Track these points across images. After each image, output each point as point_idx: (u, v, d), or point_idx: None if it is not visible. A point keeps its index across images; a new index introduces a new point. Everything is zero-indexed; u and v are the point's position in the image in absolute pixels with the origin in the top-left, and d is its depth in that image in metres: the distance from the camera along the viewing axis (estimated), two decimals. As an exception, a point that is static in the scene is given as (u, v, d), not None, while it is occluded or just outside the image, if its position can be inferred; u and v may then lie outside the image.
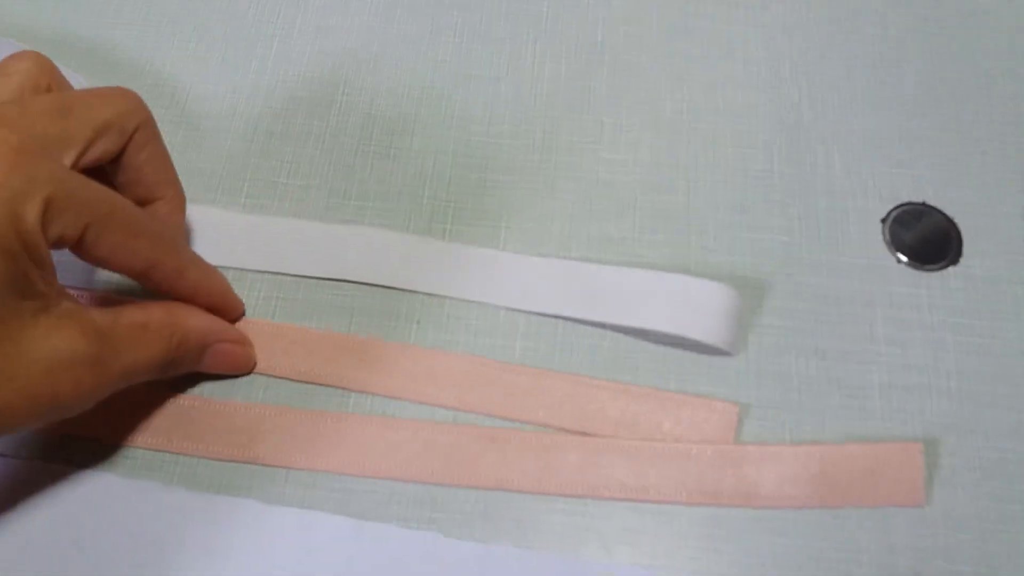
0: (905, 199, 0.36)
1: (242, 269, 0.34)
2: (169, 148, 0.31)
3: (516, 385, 0.32)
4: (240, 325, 0.33)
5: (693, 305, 0.32)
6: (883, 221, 0.36)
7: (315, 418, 0.32)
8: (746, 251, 0.35)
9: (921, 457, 0.30)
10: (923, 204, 0.36)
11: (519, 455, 0.31)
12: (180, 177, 0.31)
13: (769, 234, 0.36)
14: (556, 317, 0.33)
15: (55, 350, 0.23)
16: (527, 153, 0.38)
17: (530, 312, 0.33)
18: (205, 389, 0.33)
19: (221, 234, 0.34)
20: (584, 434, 0.31)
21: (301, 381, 0.32)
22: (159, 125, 0.30)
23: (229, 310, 0.32)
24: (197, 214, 0.34)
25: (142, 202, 0.30)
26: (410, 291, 0.34)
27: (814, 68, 0.39)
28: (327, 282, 0.34)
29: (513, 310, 0.34)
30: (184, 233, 0.33)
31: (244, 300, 0.34)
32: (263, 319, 0.33)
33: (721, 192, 0.37)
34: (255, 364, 0.32)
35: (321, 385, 0.33)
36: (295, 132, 0.38)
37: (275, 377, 0.33)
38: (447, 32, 0.41)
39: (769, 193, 0.36)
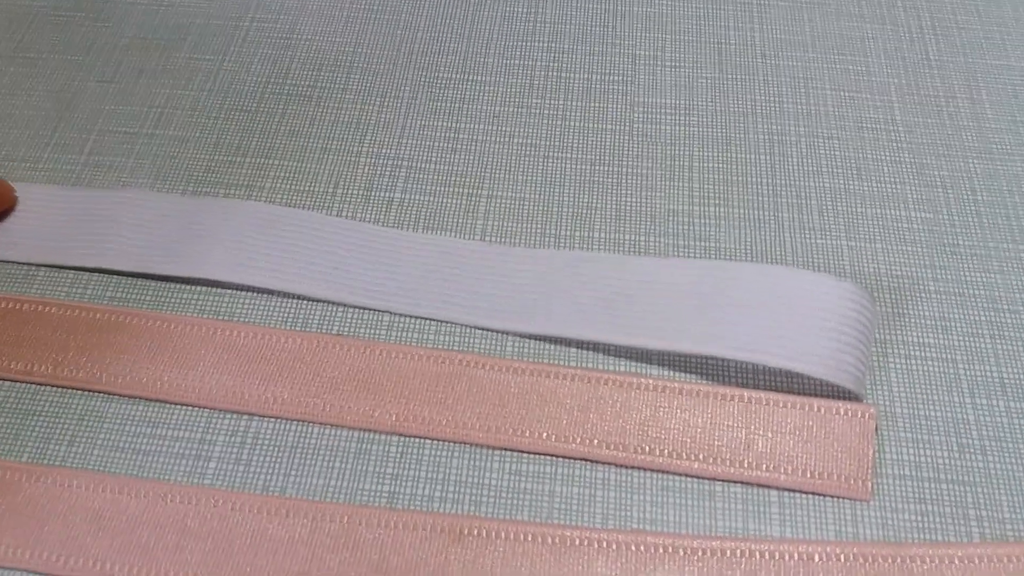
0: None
1: (63, 267, 0.28)
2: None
3: (506, 391, 0.25)
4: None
5: (796, 315, 0.24)
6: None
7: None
8: (872, 234, 0.28)
9: None
10: None
11: (504, 562, 0.22)
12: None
13: (904, 208, 0.29)
14: (573, 342, 0.25)
15: None
16: (523, 95, 0.32)
17: (529, 335, 0.25)
18: None
19: (40, 220, 0.28)
20: (622, 465, 0.24)
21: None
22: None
23: None
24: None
25: None
26: (332, 302, 0.27)
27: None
28: (186, 284, 0.27)
29: (498, 331, 0.26)
30: None
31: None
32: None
33: (823, 147, 0.30)
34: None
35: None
36: (175, 68, 0.32)
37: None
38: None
39: (895, 151, 0.30)
